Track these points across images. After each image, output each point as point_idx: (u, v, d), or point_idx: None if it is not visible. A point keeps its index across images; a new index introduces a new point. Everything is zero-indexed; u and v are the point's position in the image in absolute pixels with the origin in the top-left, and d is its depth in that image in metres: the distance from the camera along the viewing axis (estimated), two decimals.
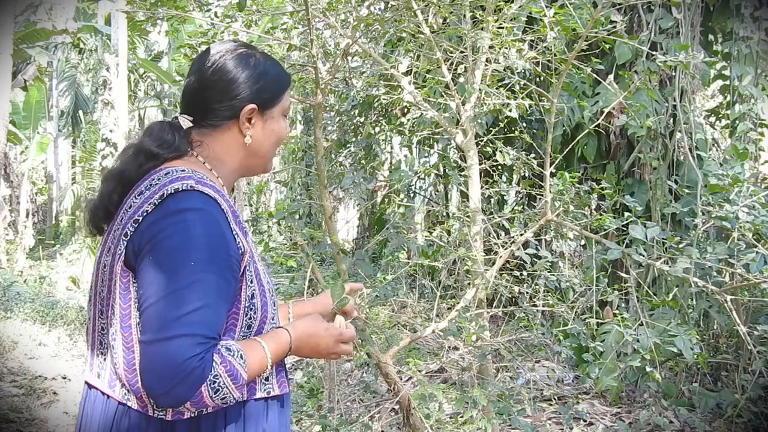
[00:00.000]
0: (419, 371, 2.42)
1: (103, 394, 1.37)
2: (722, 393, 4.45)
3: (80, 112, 16.19)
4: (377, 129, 5.25)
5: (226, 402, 1.27)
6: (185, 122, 1.45)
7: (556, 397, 4.94)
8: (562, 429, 4.34)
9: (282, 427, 1.48)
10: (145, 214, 1.30)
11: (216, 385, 1.23)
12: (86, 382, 1.43)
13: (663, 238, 2.64)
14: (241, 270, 1.35)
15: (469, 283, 2.95)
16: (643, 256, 2.35)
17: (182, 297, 1.23)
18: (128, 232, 1.32)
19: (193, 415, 1.32)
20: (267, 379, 1.43)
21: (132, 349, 1.31)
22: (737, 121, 5.18)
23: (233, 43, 1.49)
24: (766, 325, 2.56)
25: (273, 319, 1.45)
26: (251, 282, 1.37)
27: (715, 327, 4.91)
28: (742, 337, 4.45)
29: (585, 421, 4.46)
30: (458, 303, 2.77)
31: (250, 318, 1.38)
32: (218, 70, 1.43)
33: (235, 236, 1.34)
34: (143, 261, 1.28)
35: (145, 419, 1.32)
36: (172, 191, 1.30)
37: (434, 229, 3.36)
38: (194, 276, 1.24)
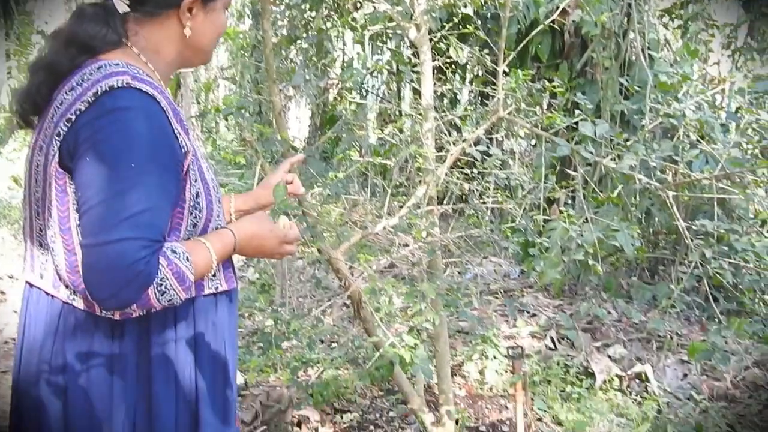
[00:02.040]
0: (370, 267, 2.47)
1: (47, 294, 1.35)
2: (658, 286, 4.70)
3: (12, 2, 15.20)
4: (329, 24, 5.09)
5: (173, 303, 1.26)
6: (121, 6, 1.35)
7: (502, 291, 5.13)
8: (507, 320, 4.53)
9: (231, 321, 1.51)
10: (78, 113, 1.23)
11: (163, 287, 1.22)
12: (27, 282, 1.40)
13: (611, 137, 2.68)
14: (185, 169, 1.32)
15: (420, 181, 2.97)
16: (592, 153, 2.39)
17: (124, 199, 1.19)
18: (61, 131, 1.25)
19: (142, 313, 1.32)
20: (214, 275, 1.43)
21: (73, 251, 1.28)
22: (689, 22, 5.19)
23: None
24: (704, 220, 2.67)
25: (218, 217, 1.43)
26: (195, 181, 1.34)
27: (655, 224, 5.11)
28: (680, 234, 4.66)
29: (529, 313, 4.67)
30: (409, 200, 2.79)
31: (195, 217, 1.36)
32: None
33: (177, 135, 1.30)
34: (80, 162, 1.22)
35: (93, 318, 1.31)
36: (107, 88, 1.22)
37: (386, 128, 3.34)
38: (136, 177, 1.20)
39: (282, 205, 1.55)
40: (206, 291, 1.41)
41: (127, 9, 1.36)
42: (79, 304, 1.31)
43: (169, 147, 1.27)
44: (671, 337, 4.04)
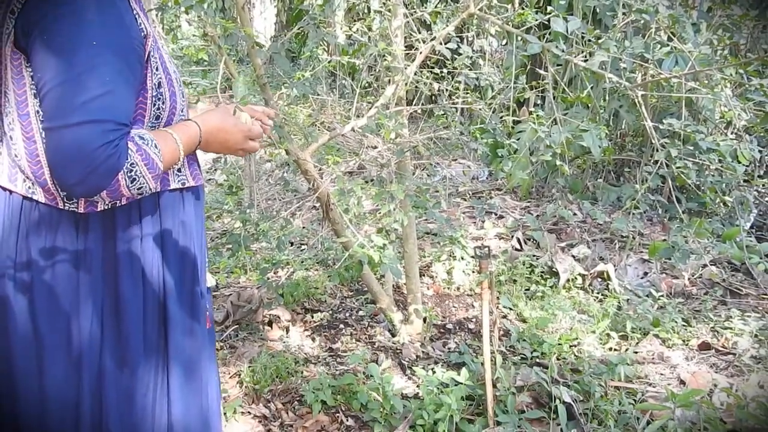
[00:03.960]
0: (339, 169, 2.45)
1: (4, 189, 1.31)
2: (623, 187, 4.77)
3: None
4: None
5: (142, 192, 1.23)
6: None
7: (470, 193, 5.18)
8: (475, 222, 4.59)
9: (198, 218, 1.49)
10: None
11: (133, 173, 1.18)
12: None
13: (583, 34, 2.64)
14: (146, 55, 1.27)
15: (389, 81, 2.91)
16: (563, 51, 2.35)
17: (84, 81, 1.13)
18: (15, 9, 1.19)
19: (107, 207, 1.29)
20: (180, 170, 1.41)
21: (33, 138, 1.23)
22: None
23: None
24: (671, 119, 2.68)
25: (182, 112, 1.39)
26: (156, 69, 1.30)
27: (623, 127, 5.13)
28: (646, 136, 4.70)
29: (496, 214, 4.72)
30: (378, 100, 2.74)
31: (158, 108, 1.32)
32: None
33: (136, 17, 1.25)
34: (35, 42, 1.16)
35: (57, 212, 1.28)
36: None
37: (355, 25, 3.23)
38: (94, 59, 1.14)
39: (243, 102, 1.50)
40: (172, 186, 1.40)
41: None
42: (40, 197, 1.28)
43: (127, 29, 1.22)
44: (633, 237, 4.14)
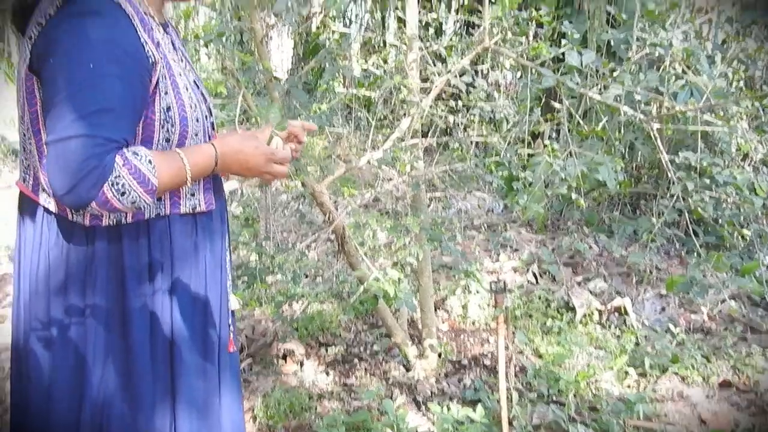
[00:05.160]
0: (354, 201, 2.45)
1: (33, 200, 1.40)
2: (639, 220, 4.73)
3: None
4: None
5: (138, 206, 1.27)
6: None
7: (485, 226, 5.16)
8: (490, 255, 4.56)
9: (214, 243, 1.50)
10: (48, 17, 1.27)
11: (120, 186, 1.23)
12: (20, 190, 1.46)
13: (597, 67, 2.64)
14: (155, 80, 1.32)
15: (404, 113, 2.92)
16: (577, 84, 2.35)
17: (80, 99, 1.22)
18: (32, 35, 1.29)
19: (112, 224, 1.35)
20: (193, 194, 1.44)
21: (44, 152, 1.31)
22: None
23: None
24: (687, 152, 2.66)
25: (196, 136, 1.42)
26: (165, 94, 1.34)
27: (638, 159, 5.11)
28: (662, 169, 4.67)
29: (512, 247, 4.70)
30: (393, 133, 2.75)
31: (167, 131, 1.36)
32: None
33: (144, 44, 1.30)
34: (45, 64, 1.26)
35: (68, 224, 1.35)
36: None
37: (370, 58, 3.26)
38: (94, 79, 1.22)
39: (278, 127, 1.50)
40: (182, 210, 1.43)
41: None
42: (53, 207, 1.36)
43: (132, 52, 1.28)
44: (651, 271, 4.10)
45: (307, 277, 4.14)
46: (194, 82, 1.48)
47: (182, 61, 1.46)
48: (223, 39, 2.81)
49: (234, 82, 2.79)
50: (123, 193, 1.23)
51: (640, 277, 4.08)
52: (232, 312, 1.59)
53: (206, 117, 1.46)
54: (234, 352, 1.59)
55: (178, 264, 1.42)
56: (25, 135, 1.38)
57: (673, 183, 2.42)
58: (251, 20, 2.53)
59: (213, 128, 1.51)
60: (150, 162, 1.27)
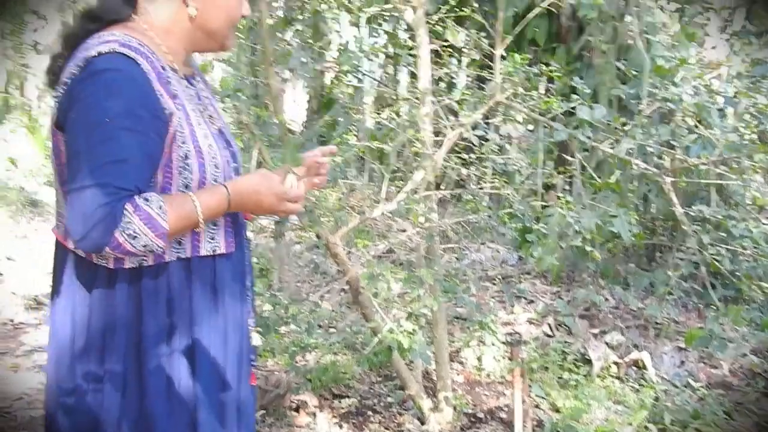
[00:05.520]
0: (368, 252, 2.46)
1: (63, 246, 1.46)
2: (656, 272, 4.69)
3: None
4: (324, 6, 5.04)
5: (151, 249, 1.32)
6: None
7: (500, 277, 5.13)
8: (505, 307, 4.53)
9: (236, 284, 1.52)
10: (72, 77, 1.34)
11: (131, 231, 1.28)
12: (55, 237, 1.52)
13: (608, 121, 2.67)
14: (172, 131, 1.37)
15: (417, 166, 2.95)
16: (589, 138, 2.37)
17: (96, 151, 1.29)
18: (58, 94, 1.36)
19: (134, 266, 1.40)
20: (213, 238, 1.48)
21: (67, 201, 1.37)
22: (686, 5, 5.15)
23: None
24: (701, 206, 2.66)
25: (216, 181, 1.45)
26: (183, 143, 1.39)
27: (652, 210, 5.10)
28: (677, 220, 4.65)
29: (526, 299, 4.66)
30: (406, 185, 2.78)
31: (185, 178, 1.40)
32: None
33: (159, 96, 1.35)
34: (67, 120, 1.33)
35: (93, 267, 1.41)
36: (96, 54, 1.32)
37: (383, 112, 3.32)
38: (110, 132, 1.29)
39: (294, 163, 1.54)
40: (202, 252, 1.46)
41: None
42: (80, 251, 1.41)
43: (148, 106, 1.34)
44: (669, 324, 4.04)
45: (320, 327, 4.12)
46: (219, 129, 1.53)
47: (206, 110, 1.51)
48: (239, 94, 2.88)
49: (250, 135, 2.85)
50: (134, 238, 1.28)
51: (657, 330, 4.02)
52: (254, 348, 1.61)
53: (228, 162, 1.50)
54: (254, 387, 1.62)
55: (197, 318, 1.45)
56: (56, 186, 1.46)
57: (689, 236, 2.42)
58: (267, 76, 2.59)
59: (237, 173, 1.54)
60: (160, 207, 1.31)
